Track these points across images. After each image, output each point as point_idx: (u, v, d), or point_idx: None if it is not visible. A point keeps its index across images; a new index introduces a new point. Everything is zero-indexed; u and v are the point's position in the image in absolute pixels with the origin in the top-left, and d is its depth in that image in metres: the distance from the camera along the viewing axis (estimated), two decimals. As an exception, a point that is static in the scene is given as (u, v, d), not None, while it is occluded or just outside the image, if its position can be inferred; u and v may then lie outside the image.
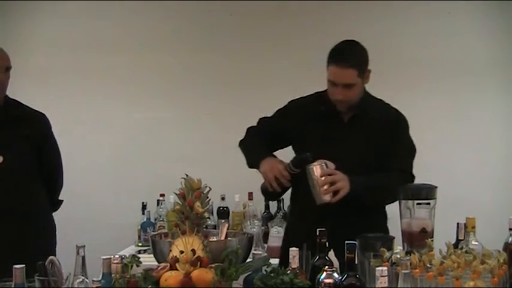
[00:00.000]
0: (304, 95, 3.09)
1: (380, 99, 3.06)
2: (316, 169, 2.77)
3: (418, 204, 2.52)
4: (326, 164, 2.79)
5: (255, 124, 3.15)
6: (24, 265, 2.10)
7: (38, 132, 3.16)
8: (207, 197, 2.37)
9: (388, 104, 3.05)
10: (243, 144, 3.11)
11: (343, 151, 2.87)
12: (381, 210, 3.02)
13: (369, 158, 2.89)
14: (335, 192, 2.75)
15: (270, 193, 2.92)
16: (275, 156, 2.96)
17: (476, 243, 2.41)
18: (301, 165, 2.80)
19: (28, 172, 3.13)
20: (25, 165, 3.11)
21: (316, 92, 3.05)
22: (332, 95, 2.88)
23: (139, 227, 4.20)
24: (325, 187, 2.74)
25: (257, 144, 3.03)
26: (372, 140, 2.91)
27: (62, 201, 3.38)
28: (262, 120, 3.13)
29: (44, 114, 3.23)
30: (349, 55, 2.86)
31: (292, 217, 3.21)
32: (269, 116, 3.12)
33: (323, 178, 2.75)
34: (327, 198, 2.75)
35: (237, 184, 4.25)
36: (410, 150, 2.99)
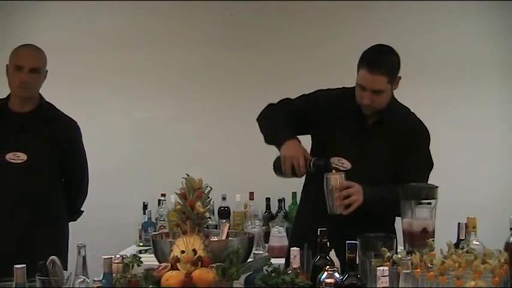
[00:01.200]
0: (333, 88, 3.06)
1: (406, 107, 3.03)
2: (334, 179, 2.75)
3: (419, 204, 2.52)
4: (343, 175, 2.76)
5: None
6: (25, 265, 2.10)
7: (65, 137, 3.22)
8: (208, 197, 2.37)
9: (413, 114, 3.03)
10: (263, 117, 3.02)
11: (363, 154, 2.87)
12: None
13: (386, 165, 2.88)
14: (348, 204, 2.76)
15: (280, 172, 2.90)
16: (299, 140, 2.89)
17: (477, 243, 2.41)
18: (320, 171, 2.79)
19: (50, 174, 3.19)
20: (48, 167, 3.18)
21: (344, 87, 3.03)
22: (360, 98, 2.85)
23: (140, 227, 4.21)
24: (340, 199, 2.73)
25: (281, 121, 2.94)
26: (392, 148, 2.89)
27: (82, 211, 3.44)
28: (287, 101, 3.04)
29: (75, 121, 3.30)
30: (381, 62, 2.82)
31: (301, 217, 3.15)
32: (292, 98, 3.05)
33: (339, 190, 2.74)
34: (340, 210, 2.75)
35: (238, 184, 4.25)
36: (427, 164, 2.96)
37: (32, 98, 3.18)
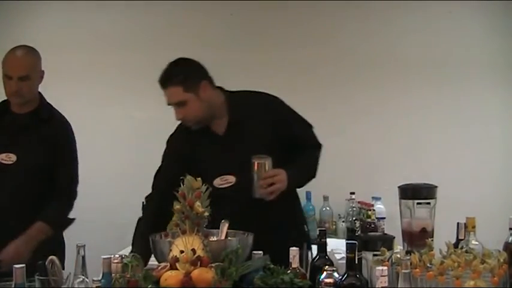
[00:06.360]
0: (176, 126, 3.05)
1: (245, 93, 3.02)
2: (260, 166, 2.77)
3: (418, 204, 2.52)
4: (270, 162, 2.78)
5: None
6: (24, 265, 2.10)
7: (55, 137, 3.15)
8: (207, 197, 2.37)
9: (255, 93, 3.02)
10: (137, 230, 2.97)
11: (233, 163, 2.85)
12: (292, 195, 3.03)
13: (269, 152, 2.84)
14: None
15: None
16: None
17: (476, 242, 2.41)
18: None
19: (41, 175, 3.13)
20: (37, 168, 3.12)
21: None
22: (176, 116, 2.89)
23: (140, 227, 4.20)
24: (265, 186, 2.75)
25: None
26: (259, 139, 2.89)
27: (70, 220, 3.23)
28: (157, 178, 3.03)
29: (67, 123, 3.23)
30: (169, 74, 2.85)
31: None
32: (160, 167, 3.04)
33: (264, 177, 2.75)
34: (265, 195, 2.77)
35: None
36: (304, 123, 3.01)
37: (31, 99, 3.15)
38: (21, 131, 3.13)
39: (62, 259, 2.77)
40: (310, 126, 3.03)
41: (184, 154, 2.94)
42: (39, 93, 3.23)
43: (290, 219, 2.96)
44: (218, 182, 2.83)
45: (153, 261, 2.46)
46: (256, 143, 2.88)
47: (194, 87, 2.84)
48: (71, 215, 3.27)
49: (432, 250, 2.31)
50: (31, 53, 3.14)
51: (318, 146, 3.02)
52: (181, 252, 2.21)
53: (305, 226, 3.07)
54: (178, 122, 3.01)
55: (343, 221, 4.33)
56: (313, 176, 2.99)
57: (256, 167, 2.77)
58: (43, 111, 3.18)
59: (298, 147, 2.94)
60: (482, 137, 4.43)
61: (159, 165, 3.06)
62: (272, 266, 2.26)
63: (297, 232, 2.97)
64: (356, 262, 2.16)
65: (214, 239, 2.50)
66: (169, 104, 2.88)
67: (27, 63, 3.09)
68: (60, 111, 3.28)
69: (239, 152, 2.87)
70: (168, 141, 3.07)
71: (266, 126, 2.91)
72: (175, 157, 2.99)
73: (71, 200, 3.22)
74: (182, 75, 2.85)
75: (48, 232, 3.05)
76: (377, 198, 4.22)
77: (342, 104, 4.49)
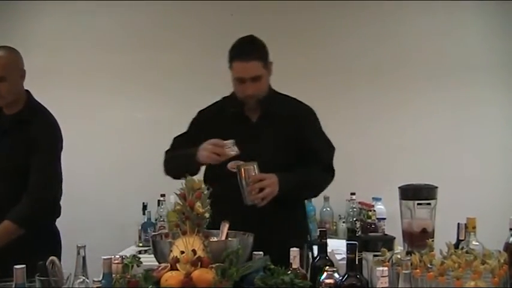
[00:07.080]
0: (213, 102, 3.10)
1: (287, 95, 3.05)
2: (247, 171, 2.75)
3: (418, 204, 2.52)
4: (256, 166, 2.76)
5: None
6: (24, 265, 2.10)
7: (34, 140, 3.07)
8: (208, 197, 2.37)
9: (296, 99, 3.05)
10: (167, 164, 3.02)
11: (255, 151, 2.85)
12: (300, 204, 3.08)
13: (282, 155, 2.89)
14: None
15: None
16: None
17: (476, 243, 2.41)
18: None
19: (20, 177, 3.05)
20: (17, 170, 3.06)
21: (223, 97, 3.08)
22: (241, 92, 2.89)
23: (140, 227, 4.21)
24: (254, 192, 2.74)
25: (181, 151, 2.96)
26: (283, 137, 2.92)
27: (43, 217, 3.09)
28: (177, 139, 3.09)
29: (49, 123, 3.16)
30: (251, 48, 2.89)
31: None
32: (183, 132, 3.09)
33: (253, 182, 2.74)
34: (256, 202, 2.75)
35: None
36: (326, 143, 3.02)
37: (15, 100, 3.11)
38: (4, 132, 3.10)
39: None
40: (332, 148, 3.02)
41: (210, 126, 2.96)
42: (28, 92, 3.17)
43: (291, 218, 2.96)
44: (232, 166, 2.83)
45: (153, 261, 2.46)
46: (278, 141, 2.91)
47: (268, 65, 2.91)
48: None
49: (433, 251, 2.31)
50: (7, 54, 3.08)
51: (330, 169, 2.99)
52: (182, 252, 2.21)
53: (308, 225, 3.07)
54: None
55: (343, 222, 4.34)
56: (313, 193, 3.03)
57: (243, 173, 2.75)
58: (26, 113, 3.12)
59: (312, 162, 2.92)
60: (483, 137, 4.44)
61: (163, 164, 3.07)
62: (272, 266, 2.26)
63: (298, 231, 2.97)
64: (356, 263, 2.16)
65: (215, 239, 2.50)
66: (240, 79, 2.86)
67: (1, 64, 3.04)
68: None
69: (262, 143, 2.90)
70: (199, 112, 3.09)
71: (291, 129, 2.93)
72: (200, 127, 3.02)
73: (41, 199, 3.06)
74: (262, 51, 2.90)
75: (16, 231, 2.99)
76: (377, 199, 4.23)
77: (343, 105, 4.49)
